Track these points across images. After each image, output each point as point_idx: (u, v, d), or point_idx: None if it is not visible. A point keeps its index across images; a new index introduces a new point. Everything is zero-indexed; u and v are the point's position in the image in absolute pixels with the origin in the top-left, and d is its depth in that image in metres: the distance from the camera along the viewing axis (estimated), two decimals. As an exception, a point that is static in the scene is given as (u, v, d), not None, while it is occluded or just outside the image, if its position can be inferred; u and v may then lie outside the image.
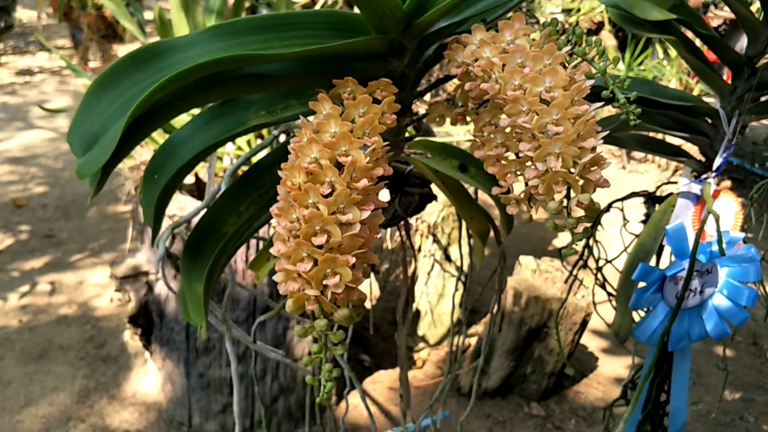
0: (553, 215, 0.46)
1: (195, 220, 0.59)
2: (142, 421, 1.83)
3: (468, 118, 0.53)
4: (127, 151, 0.45)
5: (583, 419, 1.92)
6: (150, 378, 1.93)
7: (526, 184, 0.48)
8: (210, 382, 1.74)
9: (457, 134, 2.02)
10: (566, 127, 0.43)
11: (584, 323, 1.83)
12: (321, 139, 0.43)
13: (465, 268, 2.06)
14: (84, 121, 0.44)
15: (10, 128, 4.13)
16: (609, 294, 1.03)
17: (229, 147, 1.72)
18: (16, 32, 6.42)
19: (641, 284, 0.87)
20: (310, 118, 0.47)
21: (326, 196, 0.42)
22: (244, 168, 0.64)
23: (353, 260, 0.42)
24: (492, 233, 0.75)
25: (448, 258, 2.05)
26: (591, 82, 0.45)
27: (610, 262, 1.06)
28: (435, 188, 0.73)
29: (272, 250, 0.43)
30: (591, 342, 2.23)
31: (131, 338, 1.80)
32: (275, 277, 0.43)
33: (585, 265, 1.05)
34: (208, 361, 1.71)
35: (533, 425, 1.89)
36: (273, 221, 0.45)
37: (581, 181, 0.44)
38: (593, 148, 0.44)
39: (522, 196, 0.49)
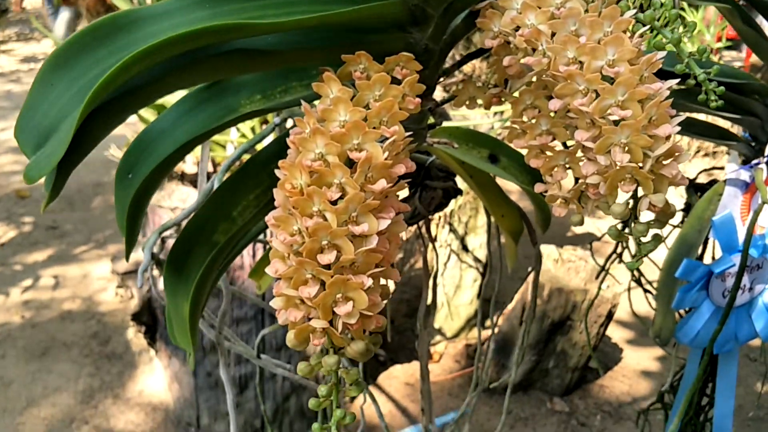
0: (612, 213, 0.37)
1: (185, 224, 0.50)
2: (148, 422, 1.76)
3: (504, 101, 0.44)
4: (89, 147, 0.37)
5: (609, 415, 1.84)
6: (156, 377, 1.86)
7: (576, 180, 0.39)
8: (218, 381, 1.66)
9: (474, 118, 1.91)
10: (635, 111, 0.35)
11: (610, 315, 1.75)
12: (328, 130, 0.34)
13: (483, 258, 1.98)
14: (34, 112, 0.36)
15: (14, 117, 4.06)
16: (646, 291, 0.95)
17: (233, 134, 1.62)
18: (21, 18, 6.35)
19: (682, 281, 0.79)
20: (315, 102, 0.38)
21: (335, 203, 0.33)
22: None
23: (369, 282, 0.33)
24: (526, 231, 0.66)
25: (465, 248, 1.96)
26: (664, 53, 0.36)
27: (645, 255, 0.97)
28: (459, 181, 0.64)
29: (269, 270, 0.35)
30: (615, 333, 2.14)
31: (135, 336, 1.73)
32: (272, 303, 0.35)
33: (620, 260, 0.96)
34: (216, 360, 1.64)
35: (557, 422, 1.80)
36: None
37: (653, 178, 0.35)
38: (668, 137, 0.35)
39: (571, 194, 0.40)
